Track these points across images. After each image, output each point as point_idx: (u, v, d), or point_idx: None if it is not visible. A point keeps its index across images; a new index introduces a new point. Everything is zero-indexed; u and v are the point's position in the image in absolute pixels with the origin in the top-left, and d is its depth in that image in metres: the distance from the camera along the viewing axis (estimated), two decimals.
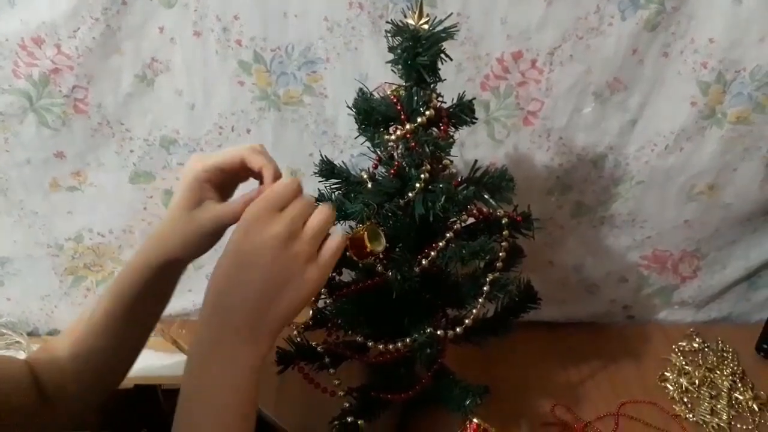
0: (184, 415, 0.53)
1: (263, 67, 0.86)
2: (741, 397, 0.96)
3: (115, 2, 0.80)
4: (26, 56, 0.82)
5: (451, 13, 0.64)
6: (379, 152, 0.76)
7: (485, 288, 0.73)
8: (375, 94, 0.72)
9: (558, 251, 1.04)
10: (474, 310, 0.74)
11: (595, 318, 1.11)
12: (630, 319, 1.13)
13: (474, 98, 0.71)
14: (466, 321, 0.74)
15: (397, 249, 0.74)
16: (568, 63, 0.86)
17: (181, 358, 1.04)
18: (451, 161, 0.76)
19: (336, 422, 0.77)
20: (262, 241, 0.52)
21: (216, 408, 0.52)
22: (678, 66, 0.86)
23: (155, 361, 1.04)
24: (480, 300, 0.74)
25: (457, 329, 0.74)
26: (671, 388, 0.98)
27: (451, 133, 0.73)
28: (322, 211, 0.56)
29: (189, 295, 1.07)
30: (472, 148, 0.93)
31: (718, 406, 0.95)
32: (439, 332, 0.73)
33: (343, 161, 0.77)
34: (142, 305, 0.66)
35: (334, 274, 0.78)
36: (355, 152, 0.93)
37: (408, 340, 0.72)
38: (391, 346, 0.74)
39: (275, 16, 0.82)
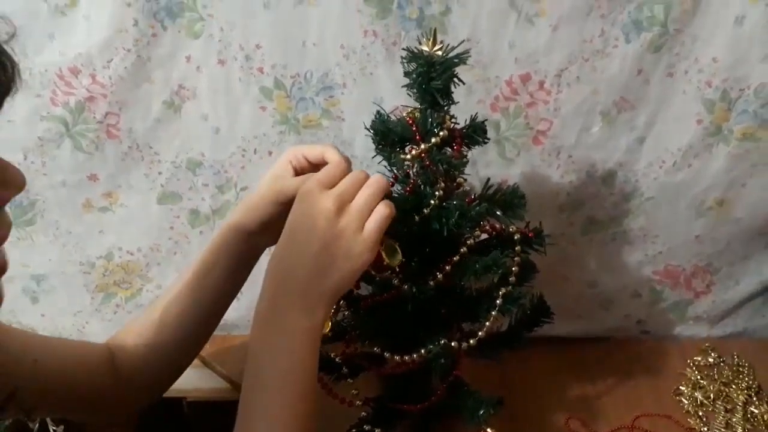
0: (251, 374, 0.59)
1: (284, 92, 0.90)
2: (757, 411, 0.97)
3: (145, 34, 0.86)
4: (63, 85, 0.88)
5: (464, 41, 0.68)
6: (395, 171, 0.80)
7: (498, 302, 0.76)
8: (391, 116, 0.76)
9: (571, 267, 1.07)
10: (487, 323, 0.77)
11: (609, 333, 1.13)
12: (645, 334, 1.15)
13: (486, 120, 0.74)
14: (480, 333, 0.77)
15: (413, 263, 0.77)
16: (575, 84, 0.89)
17: (205, 372, 1.08)
18: (465, 179, 0.80)
19: (353, 431, 0.80)
20: (313, 216, 0.59)
21: (278, 372, 0.57)
22: (683, 85, 0.89)
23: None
24: (493, 313, 0.76)
25: (471, 341, 0.77)
26: (686, 402, 0.99)
27: (464, 153, 0.77)
28: (371, 185, 0.63)
29: None
30: (483, 167, 0.96)
31: (734, 419, 0.96)
32: (453, 344, 0.76)
33: None
34: (217, 275, 0.76)
35: (351, 288, 0.82)
36: (371, 172, 0.97)
37: (423, 351, 0.75)
38: (407, 357, 0.76)
39: (295, 45, 0.87)
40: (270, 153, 0.96)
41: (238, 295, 1.09)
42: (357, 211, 0.60)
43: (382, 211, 0.62)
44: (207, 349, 1.10)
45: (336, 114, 0.93)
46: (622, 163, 0.96)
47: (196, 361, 1.09)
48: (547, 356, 1.08)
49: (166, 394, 1.06)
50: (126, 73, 0.88)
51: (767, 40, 0.84)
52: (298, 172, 0.73)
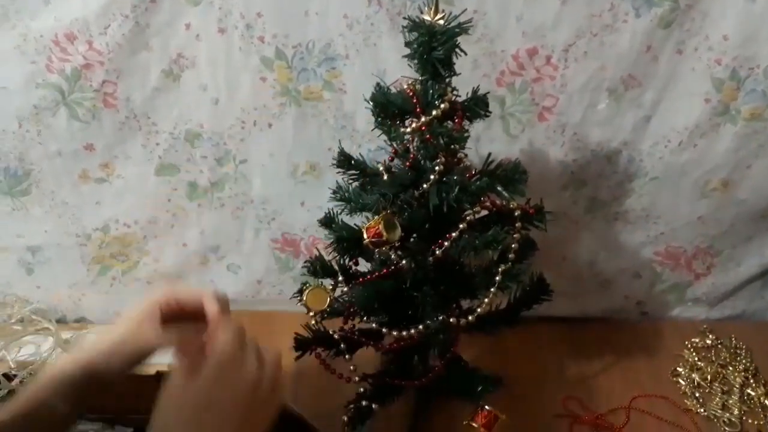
0: None
1: (285, 63, 0.89)
2: (753, 393, 0.97)
3: (143, 0, 0.84)
4: (59, 52, 0.86)
5: (466, 9, 0.66)
6: (395, 145, 0.78)
7: (497, 278, 0.75)
8: (392, 88, 0.75)
9: (572, 246, 1.06)
10: (486, 300, 0.76)
11: (608, 313, 1.12)
12: (644, 315, 1.14)
13: (488, 92, 0.73)
14: (478, 310, 0.76)
15: (412, 239, 0.76)
16: (582, 59, 0.87)
17: None
18: (466, 154, 0.78)
19: (351, 406, 0.80)
20: (237, 385, 0.53)
21: None
22: (692, 63, 0.87)
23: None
24: (492, 290, 0.75)
25: (470, 317, 0.76)
26: (683, 383, 0.99)
27: (466, 128, 0.75)
28: (273, 354, 0.59)
29: (211, 286, 1.10)
30: (487, 143, 0.95)
31: (730, 401, 0.96)
32: (452, 320, 0.75)
33: (360, 154, 0.80)
34: (51, 411, 0.62)
35: (350, 263, 0.81)
36: (372, 146, 0.95)
37: (421, 327, 0.75)
38: (405, 333, 0.76)
39: (297, 14, 0.85)
40: (270, 125, 0.94)
41: (236, 269, 1.09)
42: (272, 377, 0.56)
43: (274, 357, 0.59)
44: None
45: (338, 86, 0.91)
46: (627, 142, 0.94)
47: None
48: (545, 335, 1.08)
49: (160, 368, 1.06)
50: (124, 40, 0.86)
51: None
52: (165, 317, 0.64)
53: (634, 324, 1.13)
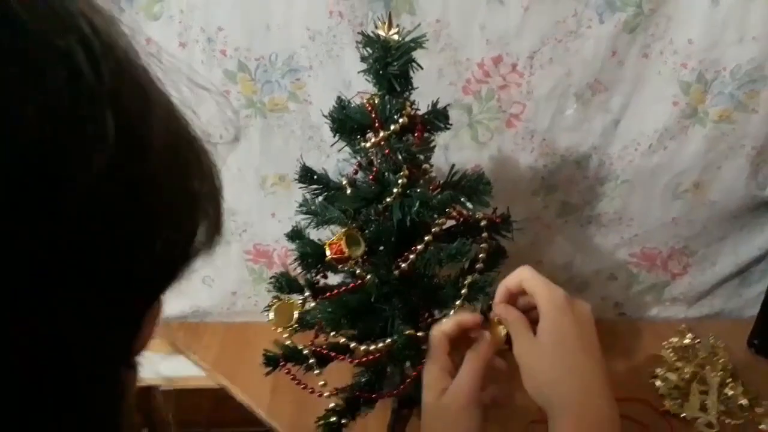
0: None
1: (248, 75, 0.88)
2: (731, 393, 0.97)
3: None
4: None
5: (419, 24, 0.66)
6: (359, 158, 0.78)
7: (463, 291, 0.75)
8: (354, 101, 0.74)
9: (546, 250, 1.05)
10: (452, 312, 0.75)
11: None
12: (622, 316, 1.14)
13: (449, 104, 0.72)
14: (444, 321, 0.76)
15: (378, 252, 0.75)
16: (548, 66, 0.87)
17: (179, 360, 1.07)
18: (431, 165, 0.78)
19: (321, 422, 0.79)
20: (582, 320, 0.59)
21: None
22: (658, 66, 0.87)
23: (153, 364, 1.07)
24: (458, 302, 0.75)
25: None
26: (661, 384, 0.99)
27: (431, 139, 0.75)
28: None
29: (186, 299, 1.09)
30: (456, 152, 0.94)
31: (708, 402, 0.96)
32: (419, 333, 0.75)
33: (324, 168, 0.79)
34: None
35: (318, 277, 0.81)
36: (341, 157, 0.95)
37: (389, 341, 0.74)
38: (372, 347, 0.75)
39: (258, 27, 0.84)
40: (236, 138, 0.93)
41: (210, 282, 1.09)
42: None
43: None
44: (180, 337, 1.10)
45: (303, 97, 0.90)
46: (596, 146, 0.94)
47: (167, 349, 1.09)
48: None
49: (139, 384, 1.06)
50: None
51: (743, 22, 0.82)
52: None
53: (612, 325, 1.13)
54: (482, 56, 0.86)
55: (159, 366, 1.07)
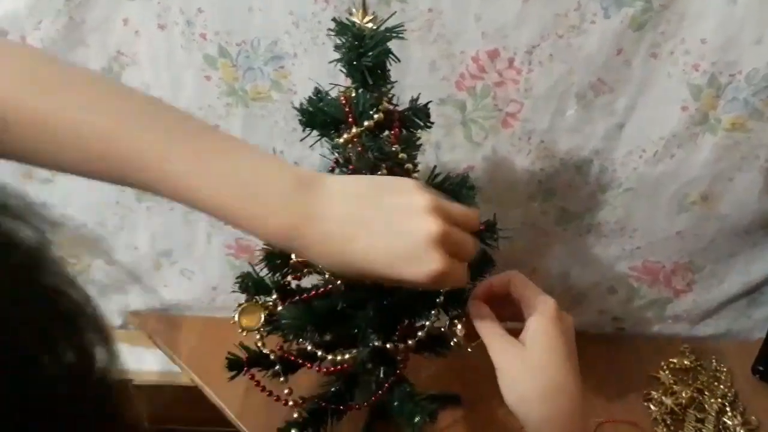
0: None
1: (229, 61, 0.83)
2: (729, 423, 0.91)
3: None
4: None
5: (395, 12, 0.60)
6: (336, 154, 0.73)
7: (438, 300, 0.70)
8: (332, 93, 0.69)
9: (542, 258, 1.00)
10: (426, 323, 0.71)
11: (582, 328, 1.06)
12: (620, 331, 1.08)
13: (430, 101, 0.67)
14: (419, 334, 0.71)
15: None
16: (547, 63, 0.81)
17: (156, 353, 1.04)
18: (415, 164, 0.72)
19: None
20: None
21: None
22: (668, 68, 0.80)
23: (128, 357, 1.04)
24: (433, 312, 0.70)
25: (409, 342, 0.71)
26: (654, 408, 0.93)
27: (416, 137, 0.70)
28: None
29: (165, 291, 1.06)
30: (448, 151, 0.89)
31: (704, 430, 0.90)
32: (388, 345, 0.70)
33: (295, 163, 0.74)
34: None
35: (290, 279, 0.76)
36: (326, 150, 0.90)
37: (354, 352, 0.70)
38: (339, 357, 0.71)
39: (239, 10, 0.79)
40: (217, 126, 0.89)
41: (190, 275, 1.05)
42: None
43: None
44: (157, 329, 1.07)
45: (287, 86, 0.85)
46: (598, 150, 0.88)
47: (144, 342, 1.06)
48: None
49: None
50: (59, 35, 0.81)
51: (762, 21, 0.75)
52: None
53: (610, 340, 1.07)
54: (477, 49, 0.81)
55: (133, 359, 1.03)
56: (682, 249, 0.96)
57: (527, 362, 0.53)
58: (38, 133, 0.42)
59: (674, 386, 0.96)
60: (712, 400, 0.94)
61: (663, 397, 0.94)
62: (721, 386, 0.96)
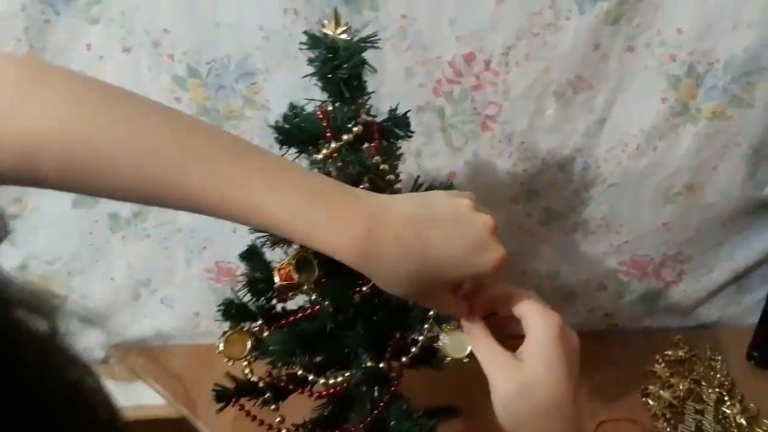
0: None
1: (199, 81, 0.81)
2: (729, 411, 0.90)
3: (36, 21, 0.76)
4: None
5: (369, 23, 0.58)
6: (316, 171, 0.71)
7: (430, 313, 0.68)
8: (307, 108, 0.67)
9: (530, 260, 0.98)
10: (421, 338, 0.69)
11: (574, 327, 1.04)
12: (612, 327, 1.07)
13: (410, 110, 0.65)
14: (413, 350, 0.69)
15: (337, 276, 0.68)
16: (524, 63, 0.80)
17: (139, 387, 1.00)
18: (397, 174, 0.70)
19: None
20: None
21: None
22: (645, 60, 0.80)
23: (111, 392, 1.00)
24: (426, 326, 0.68)
25: (403, 359, 0.69)
26: (653, 403, 0.92)
27: (396, 147, 0.68)
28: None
29: (146, 321, 1.02)
30: (429, 158, 0.87)
31: (704, 422, 0.89)
32: (381, 365, 0.68)
33: None
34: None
35: (274, 303, 0.74)
36: (305, 164, 0.88)
37: (348, 374, 0.67)
38: (332, 381, 0.69)
39: (207, 28, 0.77)
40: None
41: (171, 303, 1.02)
42: None
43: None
44: (140, 362, 1.03)
45: (260, 102, 0.83)
46: (580, 148, 0.87)
47: (128, 376, 1.02)
48: None
49: None
50: None
51: (737, 7, 0.75)
52: None
53: (603, 337, 1.06)
54: (453, 54, 0.79)
55: (116, 394, 0.99)
56: (670, 240, 0.96)
57: (523, 380, 0.50)
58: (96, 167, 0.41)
59: (671, 379, 0.96)
60: (710, 390, 0.93)
61: (661, 391, 0.93)
62: (718, 375, 0.96)
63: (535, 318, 0.51)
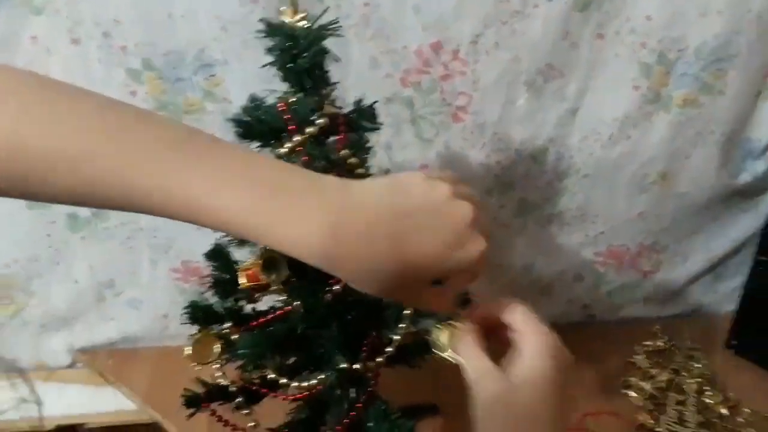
0: None
1: (155, 74, 0.77)
2: (710, 401, 0.89)
3: None
4: None
5: (328, 8, 0.55)
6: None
7: (406, 312, 0.66)
8: (268, 100, 0.64)
9: (505, 253, 0.97)
10: (396, 337, 0.66)
11: (552, 319, 1.03)
12: (591, 318, 1.06)
13: (376, 101, 0.62)
14: (389, 349, 0.67)
15: (308, 274, 0.66)
16: (493, 51, 0.77)
17: (108, 391, 0.97)
18: (367, 168, 0.68)
19: None
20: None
21: None
22: (615, 48, 0.78)
23: (79, 398, 0.96)
24: (401, 325, 0.66)
25: (378, 359, 0.66)
26: (635, 395, 0.91)
27: (364, 139, 0.65)
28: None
29: (112, 323, 0.98)
30: (399, 150, 0.85)
31: (686, 412, 0.88)
32: (356, 366, 0.65)
33: None
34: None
35: (243, 303, 0.71)
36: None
37: (322, 376, 0.65)
38: (305, 383, 0.66)
39: (160, 18, 0.73)
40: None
41: (138, 304, 0.98)
42: None
43: None
44: (108, 365, 0.99)
45: (221, 95, 0.80)
46: (553, 138, 0.85)
47: (96, 380, 0.98)
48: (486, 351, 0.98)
49: (63, 422, 0.95)
50: None
51: None
52: None
53: (581, 329, 1.05)
54: (419, 43, 0.77)
55: (85, 400, 0.96)
56: (645, 230, 0.95)
57: (510, 399, 0.46)
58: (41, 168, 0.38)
59: (651, 370, 0.95)
60: (690, 380, 0.92)
61: (642, 383, 0.92)
62: (698, 365, 0.95)
63: (529, 335, 0.48)
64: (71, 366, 1.03)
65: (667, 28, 0.75)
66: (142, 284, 0.96)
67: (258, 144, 0.61)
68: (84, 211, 0.88)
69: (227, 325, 0.68)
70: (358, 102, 0.62)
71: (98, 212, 0.88)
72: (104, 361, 1.01)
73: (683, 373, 0.94)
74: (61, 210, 0.87)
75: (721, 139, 0.85)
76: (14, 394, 0.95)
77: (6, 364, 1.00)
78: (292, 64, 0.56)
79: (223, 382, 0.70)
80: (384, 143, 0.84)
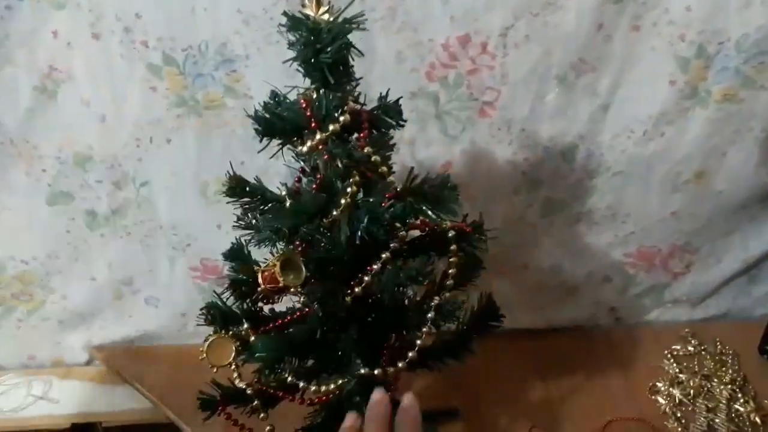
0: None
1: (176, 69, 0.76)
2: (742, 409, 0.86)
3: None
4: None
5: (353, 0, 0.53)
6: (303, 163, 0.66)
7: (429, 315, 0.63)
8: (290, 97, 0.62)
9: (532, 253, 0.94)
10: (418, 342, 0.64)
11: (578, 322, 1.01)
12: (618, 321, 1.03)
13: (401, 97, 0.60)
14: (410, 354, 0.64)
15: (327, 276, 0.64)
16: (523, 44, 0.75)
17: (126, 390, 0.96)
18: (390, 166, 0.65)
19: None
20: None
21: None
22: (652, 40, 0.75)
23: (95, 395, 0.96)
24: (423, 329, 0.63)
25: (400, 364, 0.64)
26: (663, 401, 0.88)
27: (388, 137, 0.63)
28: None
29: (130, 321, 0.98)
30: (423, 148, 0.83)
31: (717, 420, 0.85)
32: (376, 371, 0.63)
33: (255, 177, 0.66)
34: None
35: (261, 305, 0.69)
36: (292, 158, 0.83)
37: (340, 381, 0.63)
38: (323, 388, 0.64)
39: (182, 12, 0.72)
40: (168, 141, 0.81)
41: (156, 302, 0.97)
42: None
43: None
44: (125, 363, 0.99)
45: (242, 91, 0.78)
46: (583, 135, 0.82)
47: (113, 378, 0.98)
48: (509, 353, 0.96)
49: (79, 420, 0.95)
50: None
51: None
52: None
53: (608, 332, 1.01)
54: (447, 36, 0.74)
55: (102, 398, 0.95)
56: (678, 230, 0.91)
57: None
58: None
59: (680, 375, 0.91)
60: (721, 387, 0.89)
61: (670, 389, 0.89)
62: (729, 371, 0.91)
63: None
64: (88, 363, 1.02)
65: (708, 19, 0.72)
66: (161, 282, 0.95)
67: (279, 141, 0.59)
68: (103, 209, 0.87)
69: (244, 326, 0.66)
70: (383, 98, 0.60)
71: (117, 210, 0.87)
72: (121, 359, 1.00)
73: (714, 380, 0.91)
74: (81, 207, 0.87)
75: (761, 136, 0.81)
76: (31, 391, 0.95)
77: (23, 361, 1.00)
78: (314, 59, 0.53)
79: (239, 384, 0.68)
80: (408, 140, 0.82)
